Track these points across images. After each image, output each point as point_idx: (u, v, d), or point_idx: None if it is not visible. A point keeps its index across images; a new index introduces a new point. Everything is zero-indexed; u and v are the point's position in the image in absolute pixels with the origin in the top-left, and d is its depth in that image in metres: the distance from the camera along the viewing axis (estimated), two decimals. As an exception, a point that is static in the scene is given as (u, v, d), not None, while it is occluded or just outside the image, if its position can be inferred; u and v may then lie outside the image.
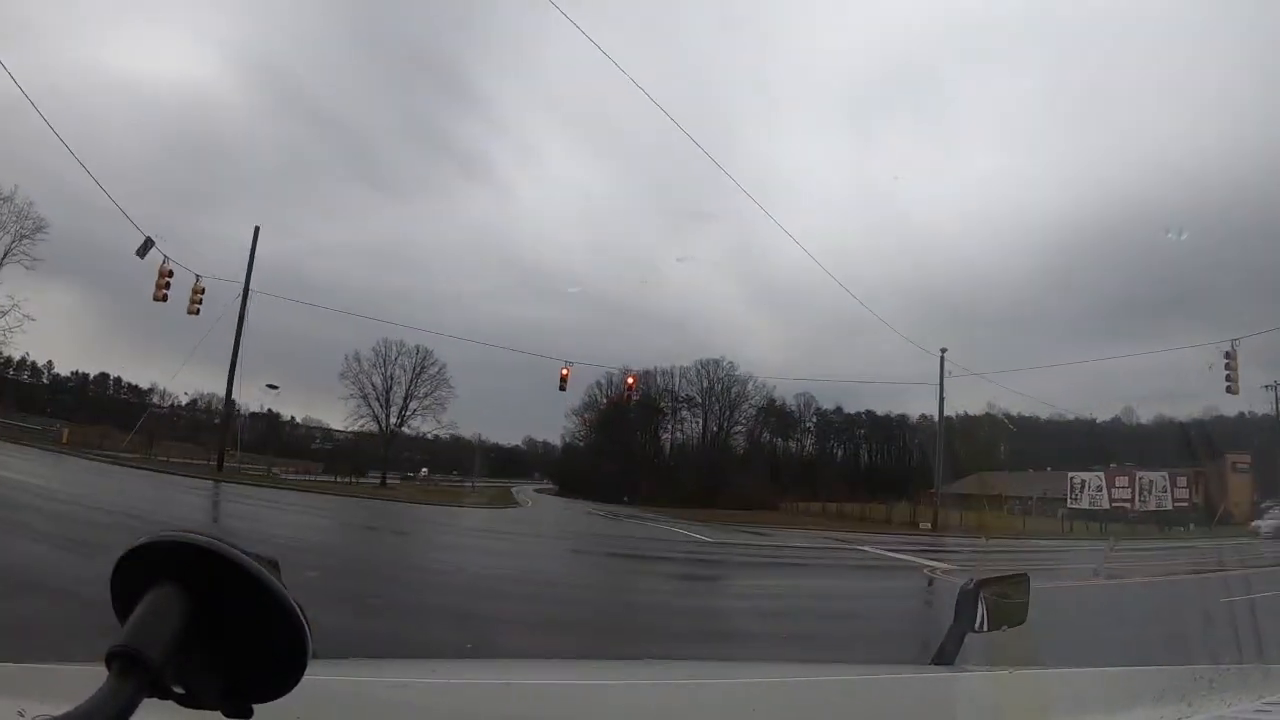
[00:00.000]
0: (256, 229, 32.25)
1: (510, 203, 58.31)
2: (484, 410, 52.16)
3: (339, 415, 44.66)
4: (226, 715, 0.65)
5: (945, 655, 1.90)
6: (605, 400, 48.86)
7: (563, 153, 61.03)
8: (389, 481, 40.23)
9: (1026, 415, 45.01)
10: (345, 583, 9.46)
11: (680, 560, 18.43)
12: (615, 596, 11.58)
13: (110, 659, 0.59)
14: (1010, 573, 2.23)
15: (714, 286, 60.06)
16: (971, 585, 1.94)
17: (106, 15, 54.01)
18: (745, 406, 49.45)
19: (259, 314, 36.13)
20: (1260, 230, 41.72)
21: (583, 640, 7.64)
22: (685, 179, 58.28)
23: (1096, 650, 6.32)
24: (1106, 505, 38.56)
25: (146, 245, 24.56)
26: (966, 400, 42.19)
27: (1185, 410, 39.71)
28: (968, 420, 43.35)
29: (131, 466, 28.36)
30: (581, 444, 51.47)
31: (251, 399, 42.89)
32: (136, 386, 44.01)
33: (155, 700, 0.60)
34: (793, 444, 52.21)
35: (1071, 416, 44.05)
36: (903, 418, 50.31)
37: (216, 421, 35.64)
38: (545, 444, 54.46)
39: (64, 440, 33.99)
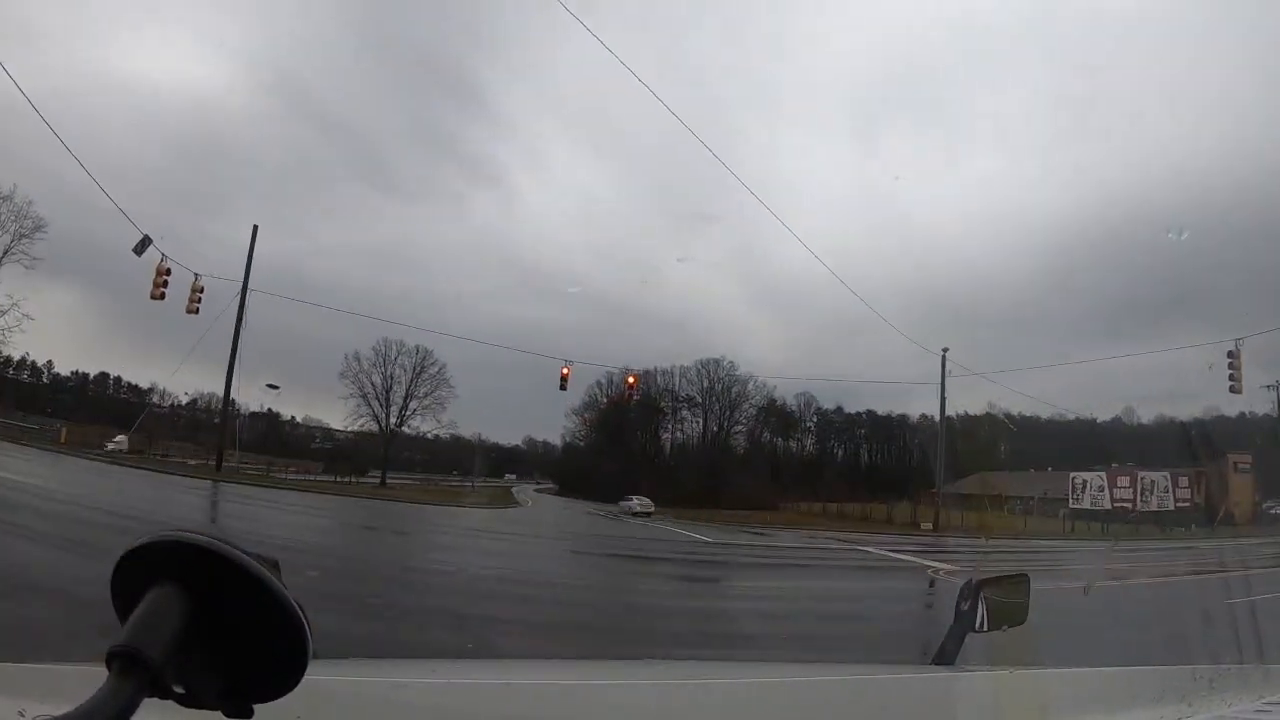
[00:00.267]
0: (255, 228, 32.33)
1: (512, 204, 58.47)
2: (484, 410, 52.17)
3: (339, 415, 44.71)
4: (227, 715, 0.65)
5: (945, 655, 1.90)
6: (605, 400, 48.93)
7: (565, 155, 61.23)
8: (390, 481, 40.22)
9: (1027, 415, 45.06)
10: (345, 583, 9.46)
11: (680, 561, 18.43)
12: (615, 597, 11.58)
13: (110, 659, 0.59)
14: (1010, 573, 2.23)
15: (715, 287, 60.14)
16: (972, 585, 1.94)
17: (116, 19, 54.20)
18: (746, 406, 49.51)
19: (260, 314, 36.23)
20: (1261, 231, 41.77)
21: (582, 641, 7.65)
22: (687, 181, 58.46)
23: (1095, 652, 6.31)
24: (1108, 505, 38.55)
25: (144, 243, 24.56)
26: (967, 400, 42.27)
27: (1186, 410, 39.71)
28: (969, 420, 43.38)
29: (130, 466, 28.37)
30: (582, 444, 51.54)
31: (251, 399, 43.01)
32: (136, 386, 44.10)
33: (155, 700, 0.60)
34: (793, 444, 52.26)
35: (1072, 416, 44.08)
36: (903, 418, 50.36)
37: (216, 421, 35.65)
38: (545, 444, 54.51)
39: (62, 440, 34.00)
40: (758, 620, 10.00)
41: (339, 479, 38.47)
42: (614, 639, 7.86)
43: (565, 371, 30.50)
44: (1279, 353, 34.65)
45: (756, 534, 28.57)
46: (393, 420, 43.29)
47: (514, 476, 51.02)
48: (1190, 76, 51.28)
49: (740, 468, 46.79)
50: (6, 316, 32.43)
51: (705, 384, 48.98)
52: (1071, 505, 39.58)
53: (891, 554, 21.64)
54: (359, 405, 43.01)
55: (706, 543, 23.12)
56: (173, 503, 18.40)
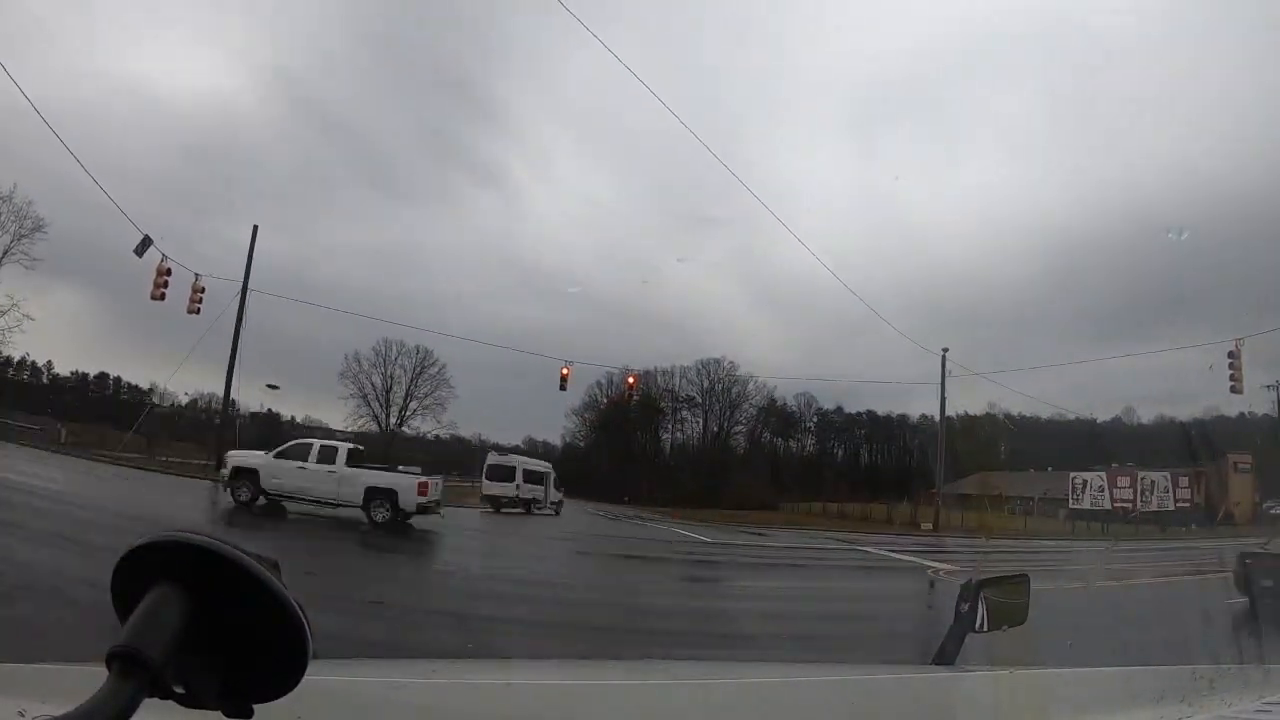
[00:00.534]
0: (255, 228, 32.24)
1: (514, 205, 58.34)
2: (484, 410, 52.19)
3: (339, 415, 44.71)
4: (227, 715, 0.65)
5: (946, 655, 1.90)
6: (606, 400, 48.90)
7: (567, 156, 60.94)
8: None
9: (1027, 415, 45.02)
10: (345, 583, 9.46)
11: (680, 561, 18.42)
12: (615, 598, 11.57)
13: (110, 659, 0.59)
14: (1010, 573, 2.23)
15: (715, 288, 60.05)
16: (972, 586, 1.95)
17: (129, 25, 54.22)
18: (746, 406, 49.47)
19: (261, 314, 36.18)
20: (1261, 232, 41.74)
21: (582, 642, 7.65)
22: (689, 183, 58.38)
23: (1096, 651, 6.31)
24: (1108, 505, 38.54)
25: (144, 244, 24.57)
26: (967, 400, 42.11)
27: (1186, 410, 39.62)
28: (969, 420, 43.34)
29: (130, 466, 28.35)
30: (582, 444, 51.51)
31: (251, 399, 42.98)
32: (136, 386, 44.03)
33: (155, 700, 0.60)
34: (793, 444, 52.23)
35: (1072, 416, 44.03)
36: (903, 418, 50.32)
37: (216, 422, 35.64)
38: (545, 444, 54.46)
39: (62, 440, 33.99)
40: (757, 620, 9.99)
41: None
42: (614, 639, 7.86)
43: (565, 372, 30.53)
44: (1279, 353, 34.63)
45: (756, 534, 28.56)
46: (393, 421, 43.34)
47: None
48: (1189, 80, 51.34)
49: (740, 468, 46.78)
50: (6, 317, 32.44)
51: (705, 384, 49.02)
52: (1071, 505, 39.57)
53: (891, 554, 21.64)
54: (359, 406, 43.10)
55: (706, 543, 23.11)
56: (168, 503, 18.39)
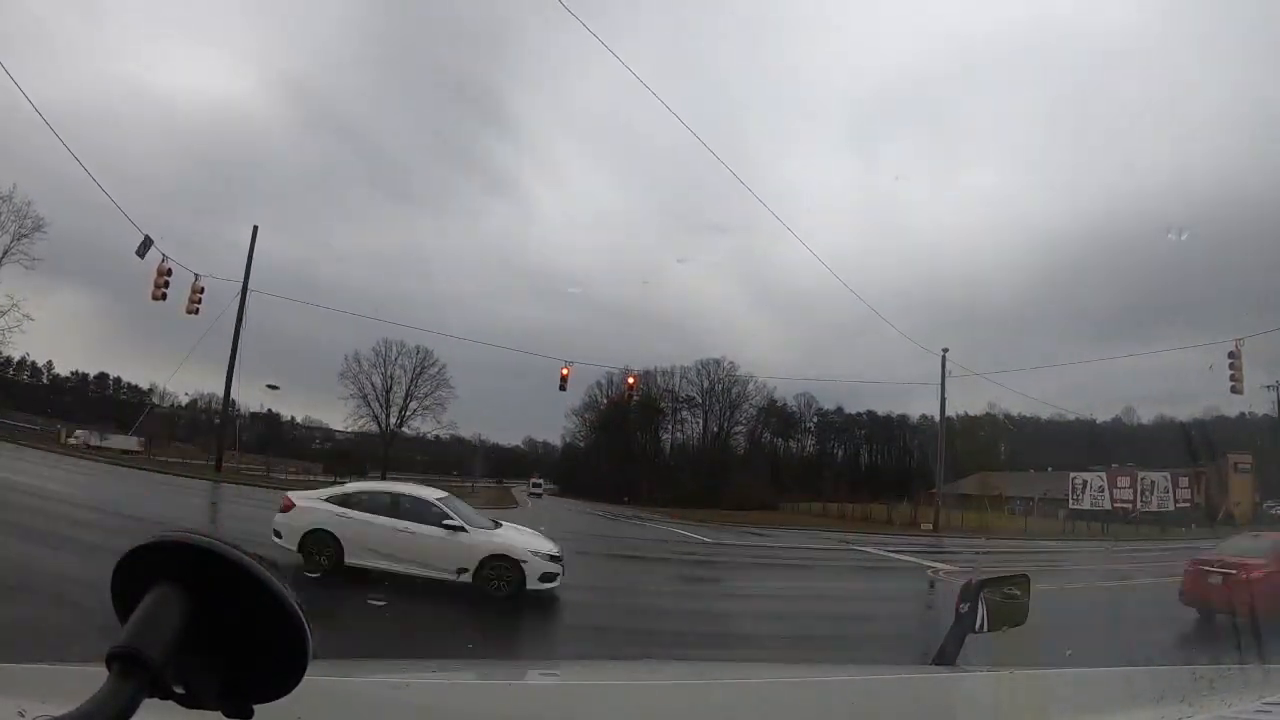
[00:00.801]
0: (255, 228, 32.21)
1: (517, 208, 58.39)
2: (484, 410, 52.12)
3: (339, 416, 44.63)
4: (227, 715, 0.65)
5: (946, 655, 1.90)
6: (606, 400, 48.84)
7: (569, 157, 61.20)
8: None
9: (1027, 415, 44.99)
10: (344, 583, 9.45)
11: (680, 561, 18.42)
12: (615, 598, 11.57)
13: (111, 659, 0.59)
14: (1010, 573, 2.23)
15: (716, 289, 60.14)
16: (972, 586, 1.95)
17: (137, 29, 54.33)
18: (746, 407, 49.40)
19: (261, 314, 36.15)
20: (1260, 234, 41.79)
21: (582, 641, 7.65)
22: (692, 187, 58.51)
23: (1096, 651, 6.32)
24: (1108, 506, 38.52)
25: (145, 244, 24.56)
26: (967, 400, 42.08)
27: (1186, 411, 39.61)
28: (969, 420, 43.33)
29: (130, 467, 28.36)
30: (582, 444, 51.46)
31: (251, 399, 42.93)
32: (136, 386, 44.00)
33: (155, 700, 0.60)
34: (793, 444, 52.19)
35: (1072, 417, 44.01)
36: (903, 418, 50.25)
37: (216, 422, 35.64)
38: (545, 444, 54.43)
39: (62, 441, 33.99)
40: (757, 621, 9.99)
41: (339, 480, 38.36)
42: (613, 639, 7.86)
43: (565, 372, 30.49)
44: (1279, 353, 34.64)
45: (756, 534, 28.56)
46: (393, 421, 43.30)
47: (539, 486, 50.83)
48: (1188, 85, 51.42)
49: (740, 468, 46.77)
50: (6, 317, 32.41)
51: (705, 384, 48.96)
52: (1071, 505, 39.55)
53: (891, 554, 21.64)
54: (359, 406, 42.98)
55: (706, 543, 23.11)
56: (173, 503, 18.39)
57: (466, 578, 9.30)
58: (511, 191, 59.31)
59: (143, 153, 48.69)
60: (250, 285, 30.62)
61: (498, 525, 10.98)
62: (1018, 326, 53.17)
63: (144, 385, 43.19)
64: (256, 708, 0.66)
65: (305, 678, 0.65)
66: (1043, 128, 55.78)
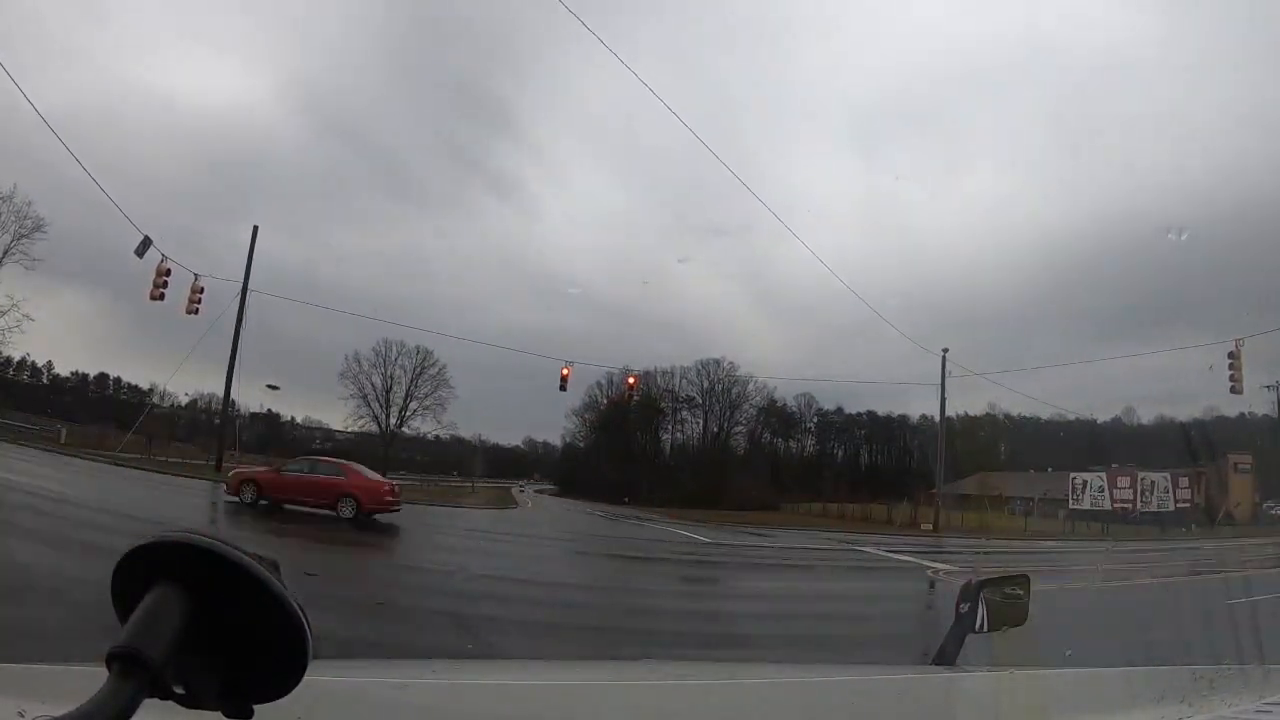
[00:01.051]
0: (255, 229, 32.29)
1: (520, 209, 58.45)
2: (484, 410, 52.10)
3: (339, 416, 44.66)
4: (227, 715, 0.65)
5: (946, 655, 1.90)
6: (606, 400, 48.85)
7: (574, 161, 61.25)
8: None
9: (1027, 415, 45.00)
10: (344, 584, 9.46)
11: (680, 561, 18.42)
12: (615, 599, 11.58)
13: (111, 659, 0.59)
14: (1010, 573, 2.23)
15: (717, 290, 60.09)
16: (972, 586, 1.95)
17: (144, 31, 54.62)
18: (746, 407, 49.40)
19: (262, 314, 36.16)
20: (1259, 235, 41.83)
21: (582, 642, 7.65)
22: (694, 189, 58.58)
23: (1095, 652, 6.32)
24: (1108, 506, 38.51)
25: (144, 244, 24.58)
26: (967, 401, 42.11)
27: (1186, 411, 39.61)
28: (969, 420, 43.34)
29: (129, 467, 28.33)
30: (582, 444, 51.47)
31: (251, 399, 42.95)
32: (136, 386, 43.98)
33: (155, 700, 0.60)
34: (793, 444, 52.18)
35: (1072, 417, 43.95)
36: (904, 418, 50.21)
37: (216, 422, 35.63)
38: (545, 444, 54.44)
39: (61, 441, 33.97)
40: (757, 621, 10.00)
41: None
42: (614, 639, 7.86)
43: (565, 372, 30.53)
44: (1279, 353, 34.63)
45: (756, 535, 28.56)
46: (393, 421, 43.30)
47: (539, 486, 50.85)
48: (1189, 86, 51.42)
49: (740, 468, 46.76)
50: (6, 317, 32.41)
51: (705, 385, 48.94)
52: (1071, 506, 39.53)
53: (891, 554, 21.64)
54: (359, 406, 43.03)
55: (706, 543, 23.11)
56: (165, 504, 18.39)
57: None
58: (512, 192, 59.46)
59: (147, 154, 48.68)
60: (251, 285, 30.68)
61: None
62: (1018, 327, 53.26)
63: (144, 385, 43.20)
64: (256, 708, 0.65)
65: (305, 678, 0.65)
66: (1043, 131, 55.73)
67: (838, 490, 45.17)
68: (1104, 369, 44.21)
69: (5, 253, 32.26)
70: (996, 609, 1.94)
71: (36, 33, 42.77)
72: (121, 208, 35.72)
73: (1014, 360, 53.93)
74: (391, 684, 1.45)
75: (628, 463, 46.60)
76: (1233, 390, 23.93)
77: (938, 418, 37.46)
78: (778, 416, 50.38)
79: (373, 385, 42.85)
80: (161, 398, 42.16)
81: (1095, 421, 45.07)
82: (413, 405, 43.34)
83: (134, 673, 0.58)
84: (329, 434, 47.95)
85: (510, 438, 53.02)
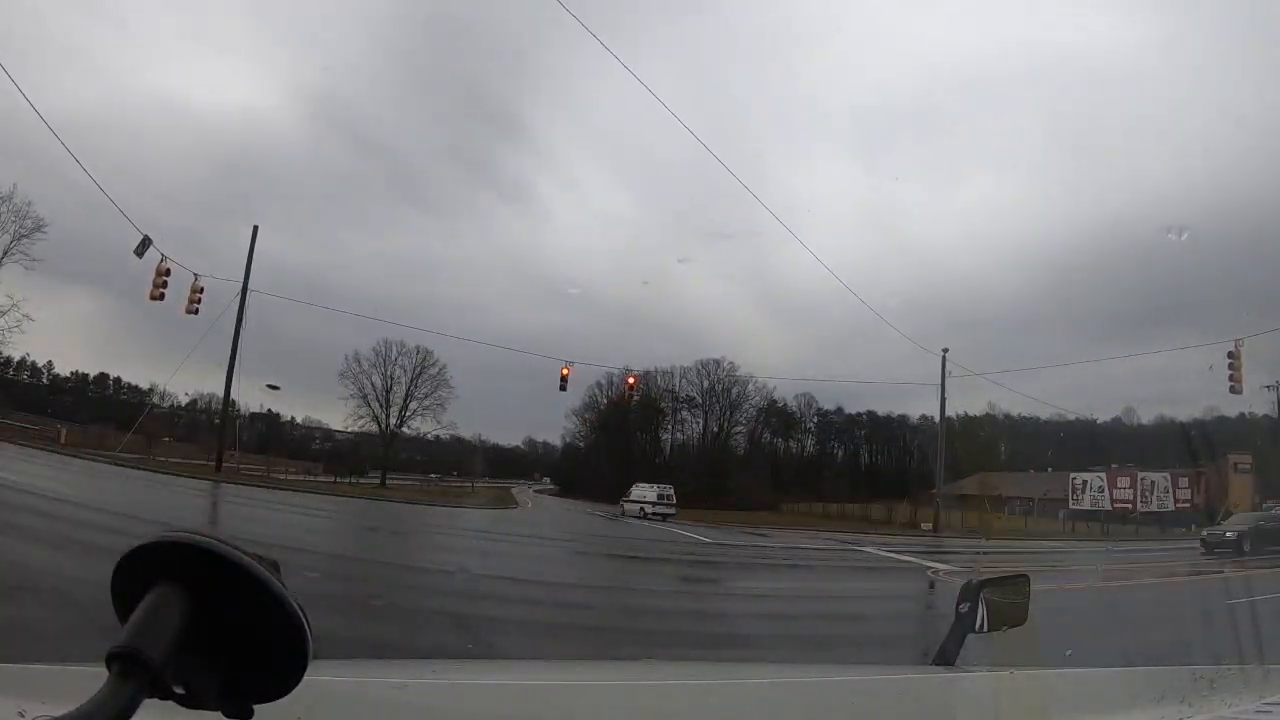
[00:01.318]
0: (255, 229, 32.31)
1: (519, 208, 58.58)
2: (484, 410, 52.12)
3: (339, 416, 44.63)
4: (227, 715, 0.65)
5: (946, 655, 1.90)
6: (606, 401, 48.86)
7: (576, 163, 61.49)
8: (390, 482, 40.21)
9: (1027, 415, 45.03)
10: (345, 584, 9.46)
11: (680, 562, 18.42)
12: (615, 599, 11.57)
13: (111, 659, 0.59)
14: (1010, 573, 2.23)
15: (717, 291, 60.23)
16: (972, 586, 1.95)
17: (160, 40, 55.02)
18: (746, 407, 49.41)
19: (262, 315, 36.19)
20: (1258, 235, 41.88)
21: (583, 642, 7.65)
22: (698, 194, 58.95)
23: (1095, 652, 6.32)
24: (1108, 506, 38.49)
25: (144, 244, 24.60)
26: (967, 401, 42.15)
27: (1186, 411, 39.71)
28: (969, 420, 43.33)
29: (129, 467, 28.34)
30: (582, 444, 51.48)
31: (252, 399, 42.93)
32: (136, 386, 43.98)
33: (156, 700, 0.60)
34: (793, 444, 52.18)
35: (1072, 417, 43.99)
36: (903, 418, 50.24)
37: (216, 422, 35.62)
38: (545, 444, 54.45)
39: (61, 441, 33.97)
40: (757, 621, 9.99)
41: (339, 480, 38.45)
42: (614, 639, 7.86)
43: (565, 372, 30.54)
44: (1279, 353, 34.65)
45: (756, 535, 28.56)
46: (393, 421, 43.29)
47: (539, 486, 50.83)
48: (1189, 89, 51.68)
49: (740, 468, 46.75)
50: (6, 317, 32.41)
51: (705, 385, 48.96)
52: (1071, 506, 39.52)
53: (891, 554, 21.64)
54: (359, 406, 42.98)
55: (706, 543, 23.11)
56: (173, 503, 18.39)
57: None
58: (514, 193, 59.53)
59: (153, 156, 49.01)
60: (252, 285, 30.68)
61: None
62: (1018, 327, 53.29)
63: (144, 385, 43.20)
64: (256, 708, 0.65)
65: (305, 678, 0.65)
66: (1043, 136, 56.02)
67: (838, 490, 45.18)
68: (1104, 369, 44.32)
69: (5, 253, 32.27)
70: (996, 609, 1.94)
71: (47, 36, 43.07)
72: (125, 209, 36.08)
73: (1014, 360, 54.03)
74: (391, 684, 1.44)
75: (628, 463, 46.57)
76: (1233, 390, 23.95)
77: (938, 418, 37.51)
78: (778, 416, 50.40)
79: (373, 385, 42.86)
80: (161, 398, 42.19)
81: (1095, 421, 45.13)
82: (413, 405, 43.35)
83: (134, 673, 0.58)
84: (329, 434, 47.97)
85: (510, 438, 53.10)
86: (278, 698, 0.65)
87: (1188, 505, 35.59)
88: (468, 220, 57.47)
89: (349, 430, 44.52)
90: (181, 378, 43.87)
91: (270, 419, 46.97)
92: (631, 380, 42.96)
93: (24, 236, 32.43)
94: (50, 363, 43.19)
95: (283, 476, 36.41)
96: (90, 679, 0.59)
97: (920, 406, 48.04)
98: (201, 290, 26.49)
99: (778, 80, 61.20)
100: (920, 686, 1.85)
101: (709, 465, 46.49)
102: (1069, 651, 4.47)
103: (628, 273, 60.17)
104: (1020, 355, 65.91)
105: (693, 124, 54.60)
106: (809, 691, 1.67)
